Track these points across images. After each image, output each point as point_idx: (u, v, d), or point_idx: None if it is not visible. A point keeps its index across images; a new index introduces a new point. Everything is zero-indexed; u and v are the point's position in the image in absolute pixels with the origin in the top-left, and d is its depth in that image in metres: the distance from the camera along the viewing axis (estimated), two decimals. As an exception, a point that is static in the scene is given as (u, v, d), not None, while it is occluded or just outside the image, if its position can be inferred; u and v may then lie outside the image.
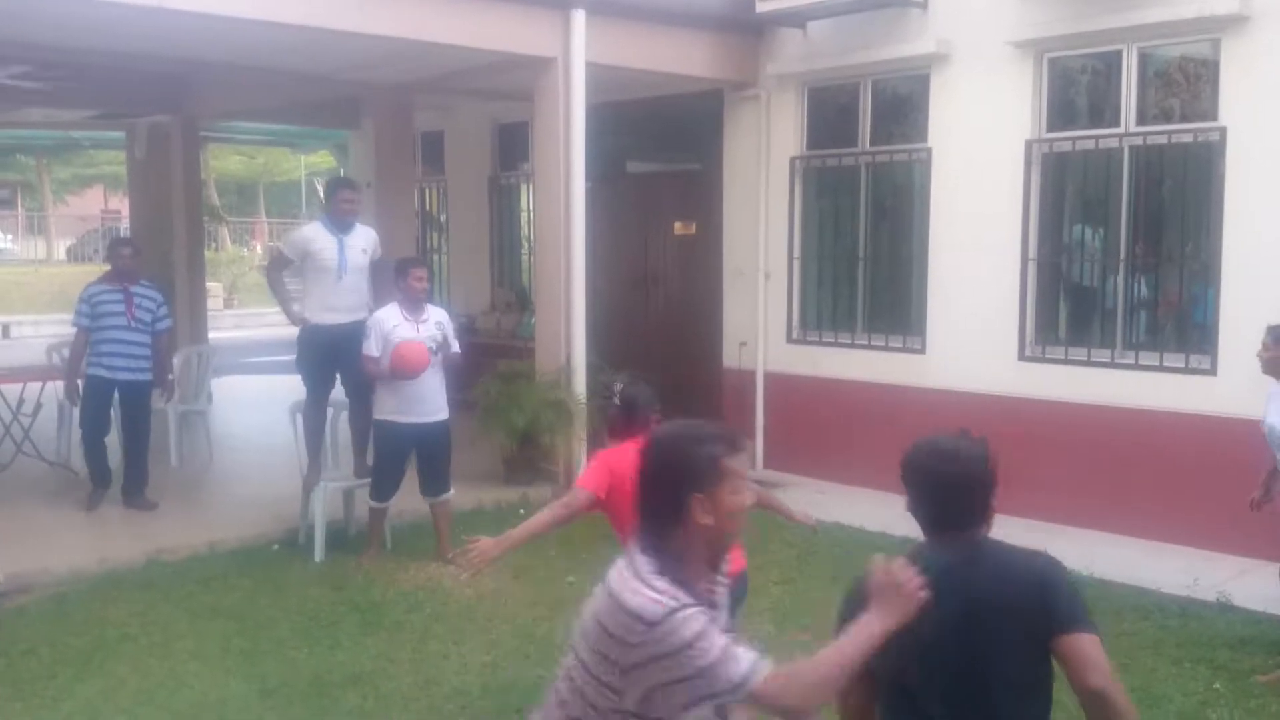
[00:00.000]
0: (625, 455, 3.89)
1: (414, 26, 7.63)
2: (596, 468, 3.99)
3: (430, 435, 6.55)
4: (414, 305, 6.56)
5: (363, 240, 7.20)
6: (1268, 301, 6.74)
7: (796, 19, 8.97)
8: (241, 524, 7.24)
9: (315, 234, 7.17)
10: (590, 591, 2.43)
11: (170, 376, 8.12)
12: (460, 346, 6.86)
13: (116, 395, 7.52)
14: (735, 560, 3.80)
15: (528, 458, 8.27)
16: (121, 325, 7.41)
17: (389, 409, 6.51)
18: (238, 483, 8.59)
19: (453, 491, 6.80)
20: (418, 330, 6.47)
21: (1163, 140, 7.37)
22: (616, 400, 4.18)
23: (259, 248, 34.18)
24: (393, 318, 6.49)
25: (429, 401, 6.53)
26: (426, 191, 13.24)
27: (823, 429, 8.95)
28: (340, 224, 7.12)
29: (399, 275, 6.59)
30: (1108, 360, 7.57)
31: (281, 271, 7.58)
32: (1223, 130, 6.98)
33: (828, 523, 7.26)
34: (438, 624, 5.72)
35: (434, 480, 6.66)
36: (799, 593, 6.17)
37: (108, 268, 7.77)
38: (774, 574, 6.38)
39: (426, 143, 12.89)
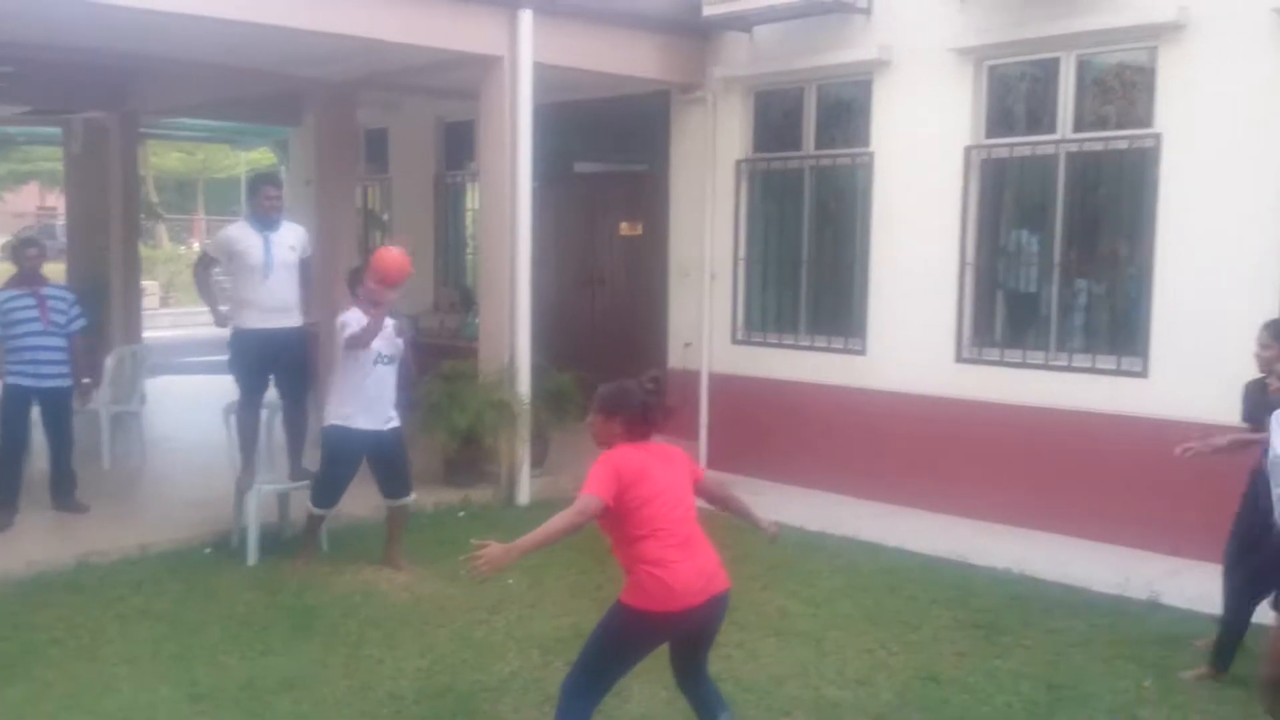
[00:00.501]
0: (633, 456, 3.81)
1: (359, 24, 7.55)
2: (604, 475, 3.73)
3: (386, 442, 6.44)
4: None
5: (290, 237, 7.07)
6: (1198, 306, 6.90)
7: (742, 23, 9.00)
8: (174, 526, 7.10)
9: (240, 233, 7.05)
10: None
11: (85, 380, 7.77)
12: (405, 346, 6.73)
13: (36, 402, 7.26)
14: (722, 578, 3.79)
15: (470, 459, 8.21)
16: (38, 330, 7.11)
17: (344, 414, 6.33)
18: (170, 485, 8.43)
19: (414, 495, 6.72)
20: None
21: (1099, 147, 7.50)
22: (650, 396, 3.90)
23: (197, 245, 33.67)
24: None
25: (385, 408, 6.41)
26: (369, 190, 13.12)
27: (766, 429, 8.99)
28: (265, 221, 6.99)
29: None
30: (1042, 362, 7.69)
31: (209, 272, 7.40)
32: (1158, 137, 7.11)
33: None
34: (373, 628, 5.65)
35: (396, 483, 6.56)
36: (738, 592, 6.16)
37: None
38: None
39: (370, 140, 12.77)
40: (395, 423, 6.48)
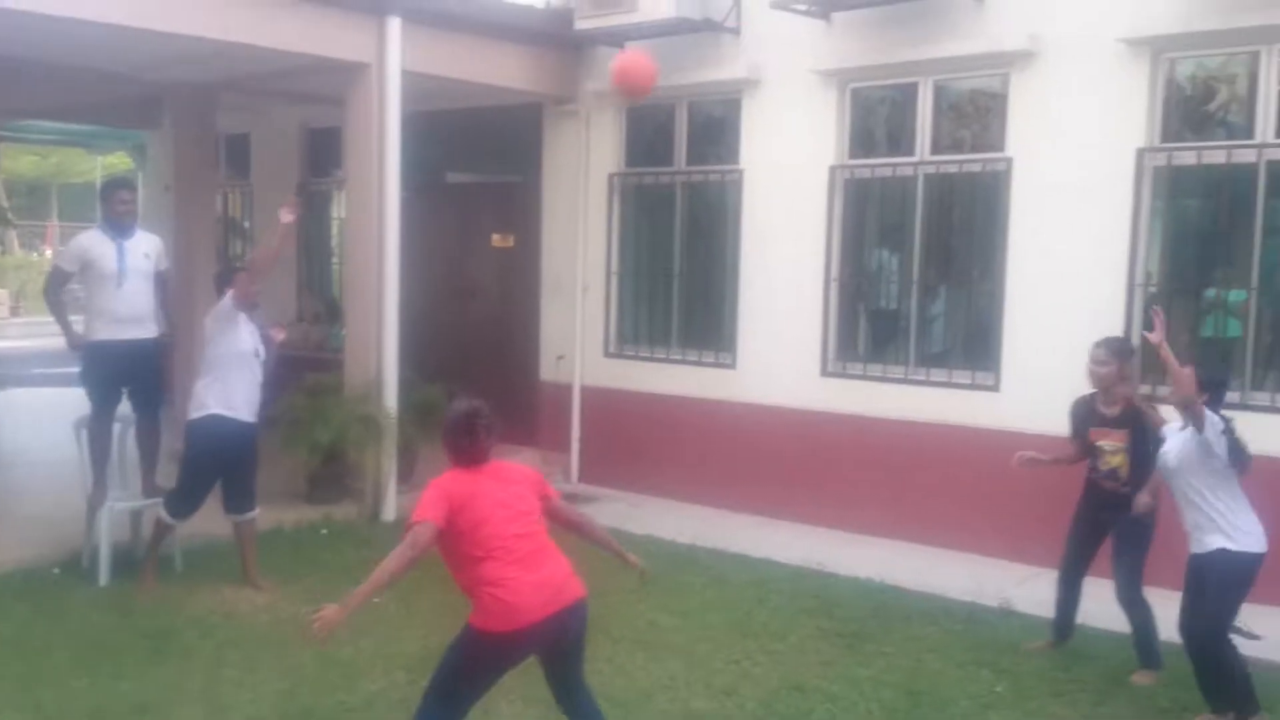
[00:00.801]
0: (462, 479, 3.79)
1: (221, 26, 7.33)
2: (434, 498, 3.70)
3: (248, 440, 6.32)
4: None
5: (145, 245, 6.83)
6: (1045, 323, 7.22)
7: (614, 38, 9.06)
8: (20, 545, 6.76)
9: (92, 241, 6.77)
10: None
11: None
12: (276, 359, 6.57)
13: None
14: (573, 589, 3.76)
15: (333, 475, 8.02)
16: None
17: (213, 404, 6.16)
18: (17, 502, 8.01)
19: (258, 510, 6.54)
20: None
21: (954, 169, 7.79)
22: (471, 417, 3.85)
23: (49, 252, 32.18)
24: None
25: (254, 403, 6.30)
26: (230, 196, 12.74)
27: (638, 442, 9.04)
28: (119, 227, 6.74)
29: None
30: (903, 376, 7.95)
31: (61, 288, 6.99)
32: (1009, 160, 7.42)
33: (638, 535, 7.36)
34: (231, 650, 5.47)
35: (239, 495, 6.39)
36: (609, 607, 6.18)
37: None
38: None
39: (232, 145, 12.40)
40: (254, 419, 6.35)
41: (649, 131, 9.42)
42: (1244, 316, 6.74)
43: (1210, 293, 7.05)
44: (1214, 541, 4.71)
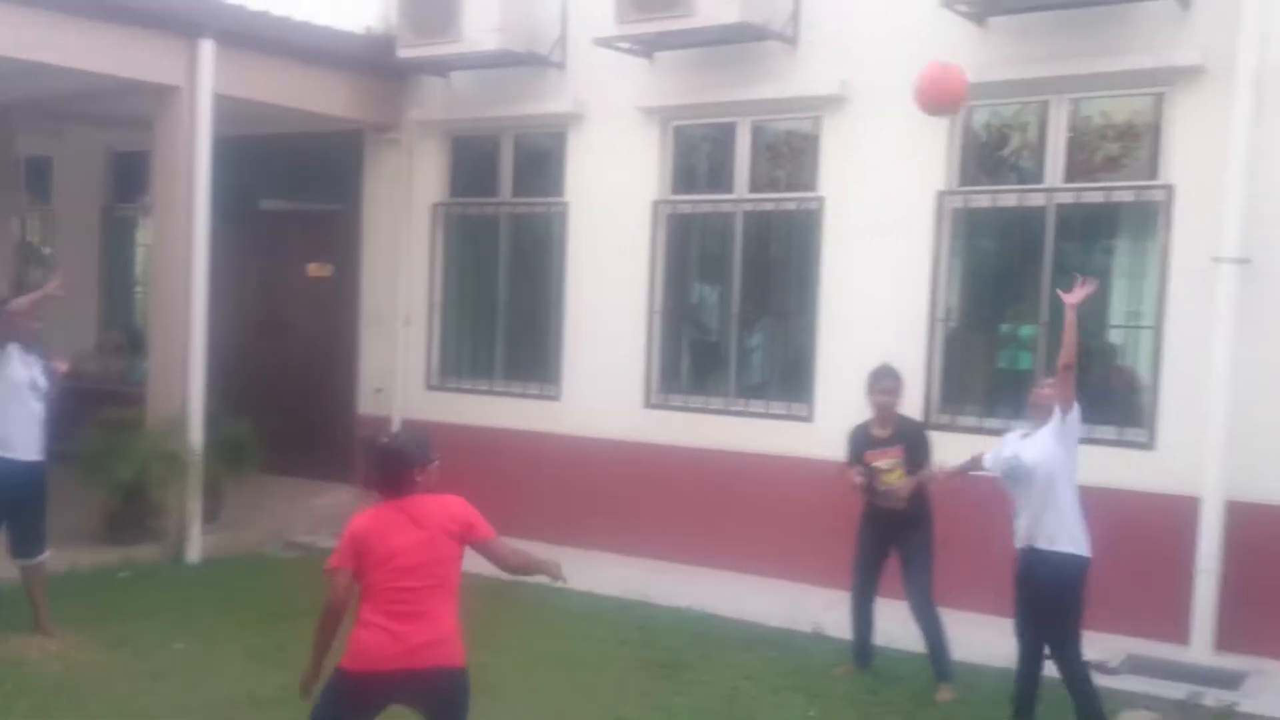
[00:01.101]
0: (372, 517, 3.64)
1: (21, 44, 6.95)
2: (342, 545, 3.62)
3: (35, 478, 5.93)
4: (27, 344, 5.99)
5: None
6: (857, 355, 7.46)
7: (439, 68, 9.01)
8: None
9: None
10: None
11: None
12: (59, 392, 6.20)
13: None
14: (434, 655, 3.62)
15: (134, 514, 7.60)
16: None
17: None
18: None
19: (48, 553, 6.12)
20: (31, 369, 5.93)
21: (771, 207, 8.04)
22: (384, 452, 3.71)
23: None
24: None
25: (37, 440, 5.92)
26: (28, 221, 12.01)
27: (460, 475, 8.80)
28: None
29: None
30: (722, 408, 8.11)
31: None
32: (821, 200, 7.70)
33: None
34: (20, 700, 5.11)
35: (26, 538, 5.98)
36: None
37: None
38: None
39: (31, 168, 11.69)
40: (40, 456, 5.98)
41: (474, 162, 9.37)
42: (1034, 350, 7.17)
43: (1004, 327, 7.48)
44: (1065, 545, 4.89)
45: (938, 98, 5.63)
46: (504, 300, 9.13)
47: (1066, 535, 4.89)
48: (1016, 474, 4.98)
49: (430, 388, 9.34)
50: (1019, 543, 5.01)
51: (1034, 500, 4.92)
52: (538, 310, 9.00)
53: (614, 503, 8.31)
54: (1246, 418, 6.29)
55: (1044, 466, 4.89)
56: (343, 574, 3.59)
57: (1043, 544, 4.90)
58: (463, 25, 8.36)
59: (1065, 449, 4.91)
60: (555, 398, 8.72)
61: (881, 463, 5.66)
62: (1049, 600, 4.92)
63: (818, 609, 6.74)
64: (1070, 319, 4.87)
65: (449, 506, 3.71)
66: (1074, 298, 4.90)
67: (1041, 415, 4.99)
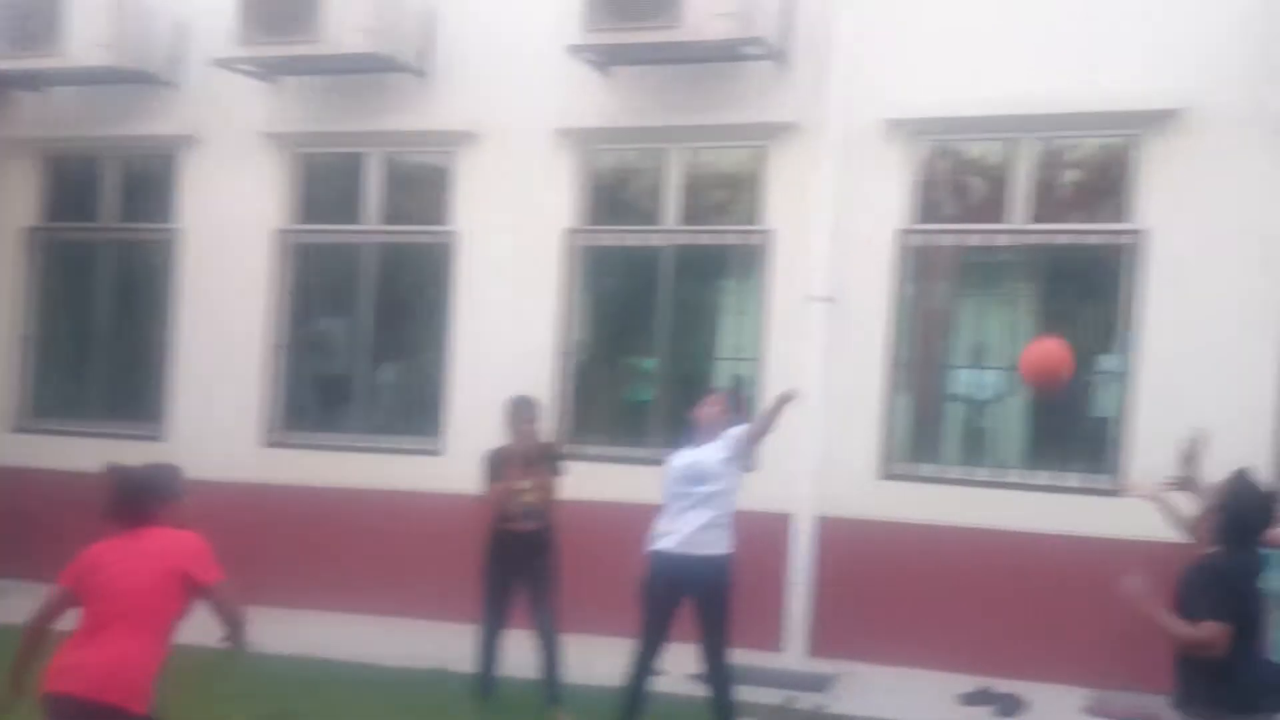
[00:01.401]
0: (105, 546, 3.56)
1: None
2: (71, 564, 3.58)
3: None
4: None
5: None
6: (487, 388, 7.45)
7: (32, 82, 8.22)
8: None
9: None
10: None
11: None
12: None
13: None
14: (99, 688, 3.45)
15: None
16: None
17: None
18: None
19: None
20: None
21: (403, 240, 7.91)
22: (125, 479, 3.68)
23: None
24: None
25: None
26: None
27: (45, 526, 7.93)
28: None
29: None
30: (350, 444, 7.81)
31: None
32: (454, 234, 7.68)
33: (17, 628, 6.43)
34: None
35: None
36: None
37: None
38: None
39: None
40: None
41: (73, 184, 8.59)
42: (654, 382, 7.47)
43: (629, 360, 7.75)
44: (727, 546, 5.21)
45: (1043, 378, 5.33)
46: (106, 332, 8.36)
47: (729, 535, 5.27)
48: (694, 476, 5.27)
49: (17, 430, 8.36)
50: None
51: (706, 505, 5.24)
52: (142, 344, 8.30)
53: (227, 549, 7.66)
54: (835, 440, 6.85)
55: (721, 470, 5.25)
56: (56, 589, 3.54)
57: (706, 549, 5.22)
58: (66, 38, 7.69)
59: (743, 451, 5.30)
60: (158, 438, 8.02)
61: (523, 483, 5.69)
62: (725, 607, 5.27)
63: (443, 644, 6.57)
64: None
65: (183, 541, 3.69)
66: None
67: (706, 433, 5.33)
